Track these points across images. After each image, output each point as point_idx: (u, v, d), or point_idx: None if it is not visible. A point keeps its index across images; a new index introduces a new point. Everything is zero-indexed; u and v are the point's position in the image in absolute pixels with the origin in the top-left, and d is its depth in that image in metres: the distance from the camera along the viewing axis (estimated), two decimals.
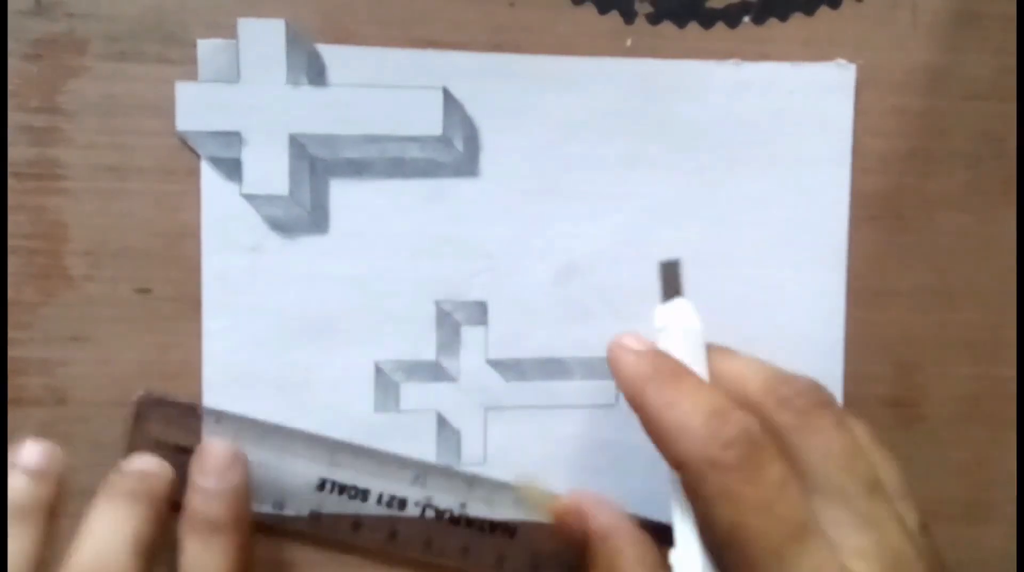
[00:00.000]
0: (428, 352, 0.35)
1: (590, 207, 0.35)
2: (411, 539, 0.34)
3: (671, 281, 0.32)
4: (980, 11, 0.35)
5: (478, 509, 0.35)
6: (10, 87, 0.32)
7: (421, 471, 0.34)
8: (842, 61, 0.35)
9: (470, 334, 0.35)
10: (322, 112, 0.33)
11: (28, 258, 0.33)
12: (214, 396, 0.34)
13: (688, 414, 0.27)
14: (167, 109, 0.33)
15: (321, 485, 0.34)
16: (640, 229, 0.35)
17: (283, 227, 0.34)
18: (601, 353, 0.34)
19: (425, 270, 0.34)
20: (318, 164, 0.34)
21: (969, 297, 0.36)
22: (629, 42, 0.34)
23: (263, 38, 0.33)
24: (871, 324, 0.36)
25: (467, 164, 0.34)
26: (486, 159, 0.34)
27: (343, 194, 0.34)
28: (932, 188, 0.36)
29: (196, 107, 0.33)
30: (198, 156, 0.33)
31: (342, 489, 0.34)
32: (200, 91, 0.33)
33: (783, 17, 0.35)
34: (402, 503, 0.34)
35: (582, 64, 0.34)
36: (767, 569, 0.25)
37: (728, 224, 0.35)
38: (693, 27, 0.35)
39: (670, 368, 0.29)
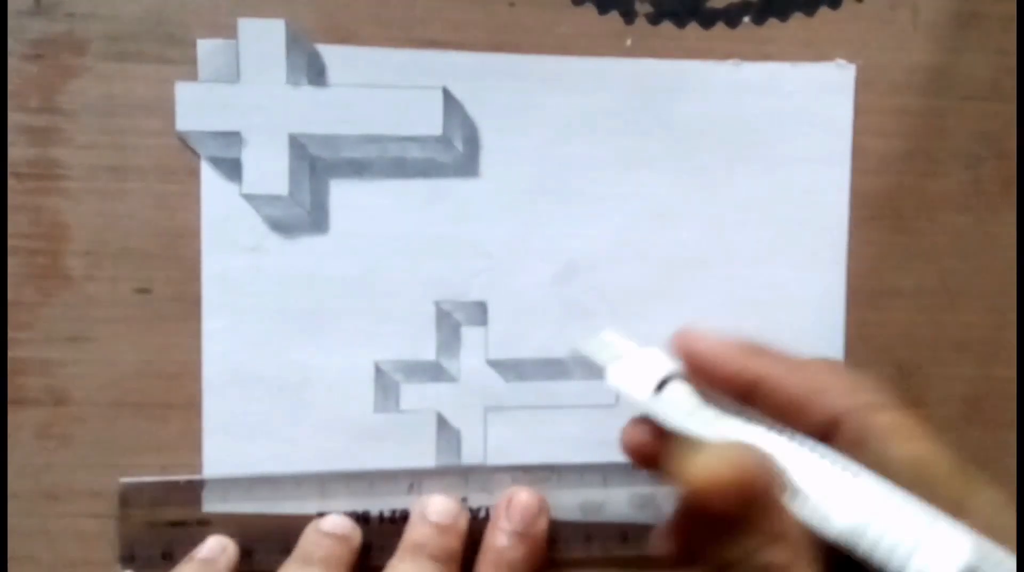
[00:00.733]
0: (428, 352, 0.35)
1: (590, 207, 0.35)
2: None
3: (603, 350, 0.29)
4: (980, 11, 0.35)
5: (479, 500, 0.35)
6: (10, 87, 0.32)
7: (414, 478, 0.34)
8: (842, 61, 0.35)
9: (470, 334, 0.35)
10: (322, 112, 0.33)
11: (28, 258, 0.33)
12: (214, 396, 0.34)
13: (822, 374, 0.27)
14: (167, 109, 0.33)
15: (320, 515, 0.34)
16: (640, 229, 0.35)
17: (283, 227, 0.34)
18: None
19: (425, 270, 0.34)
20: (318, 164, 0.34)
21: (969, 297, 0.36)
22: (629, 42, 0.34)
23: (263, 38, 0.33)
24: (871, 325, 0.36)
25: (467, 164, 0.34)
26: (486, 159, 0.34)
27: (343, 194, 0.34)
28: (932, 188, 0.36)
29: (196, 107, 0.33)
30: (198, 156, 0.33)
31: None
32: (200, 91, 0.33)
33: (783, 17, 0.35)
34: (404, 514, 0.34)
35: (582, 64, 0.34)
36: (955, 489, 0.25)
37: (728, 224, 0.35)
38: (693, 27, 0.35)
39: (762, 345, 0.28)
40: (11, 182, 0.33)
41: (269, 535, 0.34)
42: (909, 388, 0.36)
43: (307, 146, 0.34)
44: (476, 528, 0.34)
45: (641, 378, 0.27)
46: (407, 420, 0.35)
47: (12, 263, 0.33)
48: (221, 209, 0.33)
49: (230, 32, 0.33)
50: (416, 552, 0.32)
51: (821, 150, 0.35)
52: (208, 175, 0.33)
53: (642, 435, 0.28)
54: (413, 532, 0.33)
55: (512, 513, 0.33)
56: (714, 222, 0.35)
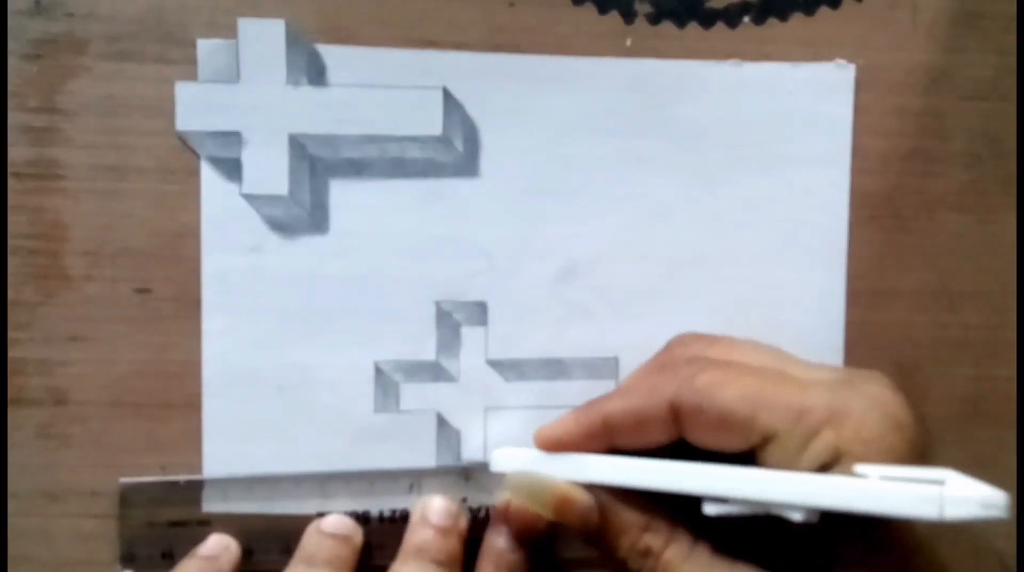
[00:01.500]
0: (428, 352, 0.35)
1: (590, 207, 0.35)
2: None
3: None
4: (980, 11, 0.35)
5: (479, 499, 0.35)
6: (9, 87, 0.32)
7: (415, 478, 0.34)
8: (842, 61, 0.35)
9: (470, 334, 0.35)
10: (322, 112, 0.33)
11: (27, 258, 0.33)
12: (214, 396, 0.34)
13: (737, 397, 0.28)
14: (167, 109, 0.33)
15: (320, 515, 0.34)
16: (640, 229, 0.35)
17: (283, 227, 0.34)
18: (601, 353, 0.35)
19: (425, 270, 0.34)
20: (318, 164, 0.34)
21: (969, 297, 0.36)
22: (629, 42, 0.34)
23: (263, 38, 0.33)
24: (871, 324, 0.36)
25: (467, 164, 0.34)
26: (486, 159, 0.34)
27: (343, 194, 0.34)
28: (932, 188, 0.36)
29: (196, 107, 0.33)
30: (198, 156, 0.33)
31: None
32: (200, 91, 0.33)
33: (783, 17, 0.35)
34: (404, 514, 0.34)
35: (582, 64, 0.34)
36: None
37: (728, 224, 0.35)
38: (693, 27, 0.35)
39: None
40: (10, 182, 0.33)
41: (269, 534, 0.34)
42: (909, 388, 0.36)
43: (307, 146, 0.33)
44: (477, 528, 0.34)
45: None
46: (407, 420, 0.34)
47: (11, 263, 0.33)
48: (221, 209, 0.33)
49: (230, 32, 0.33)
50: (418, 556, 0.32)
51: (821, 150, 0.35)
52: (208, 175, 0.33)
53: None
54: (414, 536, 0.33)
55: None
56: (714, 222, 0.35)
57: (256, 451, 0.34)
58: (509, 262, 0.35)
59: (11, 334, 0.33)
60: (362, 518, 0.34)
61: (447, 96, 0.34)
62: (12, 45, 0.32)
